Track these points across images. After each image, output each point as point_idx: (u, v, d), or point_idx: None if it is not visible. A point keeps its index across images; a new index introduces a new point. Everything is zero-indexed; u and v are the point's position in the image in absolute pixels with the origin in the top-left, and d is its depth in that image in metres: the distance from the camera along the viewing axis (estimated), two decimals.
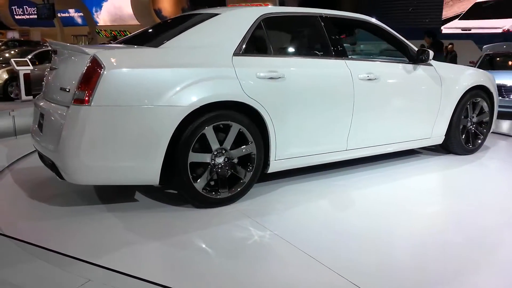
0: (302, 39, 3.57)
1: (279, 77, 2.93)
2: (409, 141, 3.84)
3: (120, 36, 20.47)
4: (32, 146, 3.02)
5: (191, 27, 2.85)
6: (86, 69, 2.40)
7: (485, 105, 4.29)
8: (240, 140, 2.82)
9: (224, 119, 2.72)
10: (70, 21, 27.36)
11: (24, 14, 28.36)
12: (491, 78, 4.38)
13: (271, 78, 2.89)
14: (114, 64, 2.43)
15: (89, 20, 24.79)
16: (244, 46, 2.88)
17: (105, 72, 2.37)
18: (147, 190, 3.08)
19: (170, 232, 2.48)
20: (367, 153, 3.61)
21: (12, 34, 24.80)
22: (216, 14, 2.96)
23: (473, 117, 4.24)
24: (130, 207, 2.81)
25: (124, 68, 2.45)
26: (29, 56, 9.31)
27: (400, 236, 2.52)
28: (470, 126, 4.24)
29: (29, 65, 8.54)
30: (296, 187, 3.27)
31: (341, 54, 3.34)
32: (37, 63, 9.27)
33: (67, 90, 2.50)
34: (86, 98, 2.36)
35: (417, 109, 3.80)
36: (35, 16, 20.34)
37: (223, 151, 2.78)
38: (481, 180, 3.68)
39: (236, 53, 2.83)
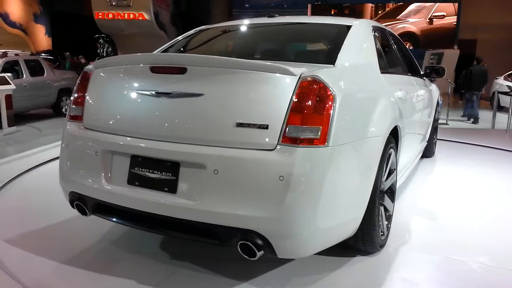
0: (392, 54, 3.42)
1: (404, 96, 2.74)
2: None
3: None
4: None
5: (340, 42, 2.28)
6: (308, 95, 1.68)
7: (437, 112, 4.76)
8: None
9: (391, 147, 2.37)
10: None
11: None
12: None
13: (401, 97, 2.68)
14: (342, 88, 1.81)
15: None
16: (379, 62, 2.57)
17: (338, 100, 1.74)
18: None
19: None
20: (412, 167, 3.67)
21: None
22: (349, 26, 2.48)
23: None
24: (290, 274, 2.13)
25: (349, 93, 1.87)
26: None
27: None
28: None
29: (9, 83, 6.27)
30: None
31: (408, 70, 3.41)
32: None
33: (260, 126, 1.69)
34: (321, 137, 1.66)
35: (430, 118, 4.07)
36: None
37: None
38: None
39: (381, 71, 2.50)
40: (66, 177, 2.16)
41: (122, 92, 2.03)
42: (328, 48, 2.36)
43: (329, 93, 1.71)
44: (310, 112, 1.67)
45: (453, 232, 2.71)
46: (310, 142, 1.66)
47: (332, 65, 2.05)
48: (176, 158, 1.81)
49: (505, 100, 9.41)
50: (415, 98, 3.21)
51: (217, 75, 1.80)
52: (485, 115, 10.35)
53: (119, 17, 16.16)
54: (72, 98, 2.28)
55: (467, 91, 9.43)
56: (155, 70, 1.90)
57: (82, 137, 2.11)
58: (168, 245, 2.40)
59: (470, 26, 16.70)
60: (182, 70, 1.83)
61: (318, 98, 1.69)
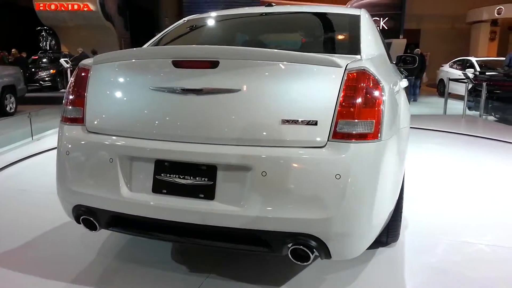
0: (384, 43, 3.41)
1: (404, 85, 2.76)
2: None
3: None
4: None
5: (356, 32, 2.21)
6: (358, 88, 1.59)
7: None
8: None
9: None
10: None
11: None
12: None
13: (404, 87, 2.69)
14: (385, 79, 1.73)
15: None
16: None
17: (386, 91, 1.67)
18: None
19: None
20: None
21: None
22: (357, 15, 2.41)
23: None
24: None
25: (390, 84, 1.80)
26: None
27: None
28: None
29: None
30: None
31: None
32: None
33: (308, 122, 1.57)
34: (374, 131, 1.58)
35: None
36: None
37: None
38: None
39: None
40: (70, 189, 1.87)
41: (137, 90, 1.79)
42: (347, 38, 2.28)
43: (378, 84, 1.64)
44: (362, 106, 1.58)
45: (450, 215, 2.81)
46: (363, 137, 1.57)
47: (359, 56, 1.94)
48: (212, 160, 1.64)
49: (451, 87, 10.07)
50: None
51: (254, 68, 1.63)
52: (435, 101, 11.01)
53: (62, 8, 15.09)
54: (66, 98, 2.00)
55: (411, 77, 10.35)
56: (180, 64, 1.69)
57: (89, 143, 1.84)
58: (180, 255, 2.22)
59: (415, 16, 17.63)
60: (213, 64, 1.65)
61: (368, 91, 1.60)
